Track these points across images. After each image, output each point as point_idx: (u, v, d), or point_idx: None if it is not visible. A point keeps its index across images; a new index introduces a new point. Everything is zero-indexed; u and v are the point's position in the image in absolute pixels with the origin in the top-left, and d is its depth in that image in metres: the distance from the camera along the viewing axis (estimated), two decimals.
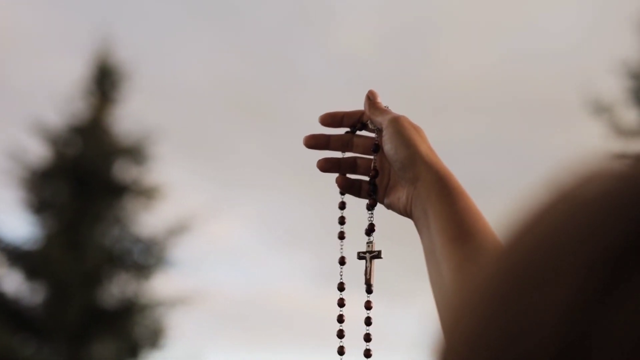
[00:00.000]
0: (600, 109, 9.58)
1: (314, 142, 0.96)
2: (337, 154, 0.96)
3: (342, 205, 0.96)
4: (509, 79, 14.30)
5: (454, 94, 14.32)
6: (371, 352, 0.89)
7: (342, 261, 0.93)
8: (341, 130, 0.96)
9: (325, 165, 0.95)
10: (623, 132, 9.40)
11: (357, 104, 0.96)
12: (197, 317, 12.25)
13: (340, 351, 0.90)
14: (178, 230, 10.80)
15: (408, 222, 0.90)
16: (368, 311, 0.91)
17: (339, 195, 0.96)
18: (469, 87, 14.32)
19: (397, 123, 0.89)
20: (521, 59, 14.42)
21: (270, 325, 13.73)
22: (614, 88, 9.75)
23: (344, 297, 0.93)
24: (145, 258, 10.73)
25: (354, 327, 0.92)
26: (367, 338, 0.90)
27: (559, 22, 14.52)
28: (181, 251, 10.94)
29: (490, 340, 0.29)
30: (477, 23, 14.88)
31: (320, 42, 14.94)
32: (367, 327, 0.91)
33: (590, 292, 0.27)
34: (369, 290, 0.91)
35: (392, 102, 0.94)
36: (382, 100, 0.94)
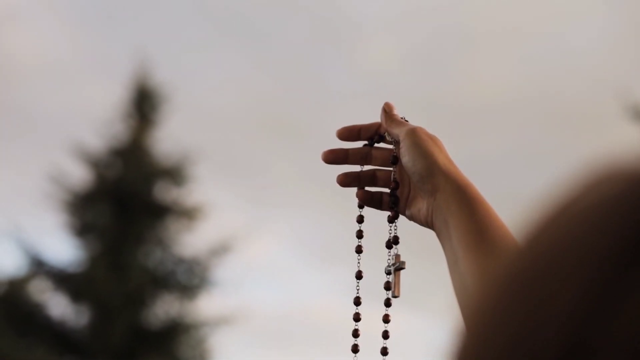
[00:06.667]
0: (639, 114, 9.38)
1: (333, 157, 0.95)
2: (356, 168, 0.96)
3: (360, 219, 0.95)
4: (538, 88, 14.17)
5: (481, 105, 14.24)
6: None
7: (359, 275, 0.93)
8: (359, 144, 0.96)
9: (345, 180, 0.95)
10: None
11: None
12: (239, 336, 12.29)
13: None
14: (219, 250, 10.85)
15: (428, 233, 0.90)
16: (386, 324, 0.91)
17: (357, 208, 0.95)
18: (497, 98, 14.24)
19: (414, 135, 0.88)
20: (550, 67, 14.30)
21: (309, 341, 13.75)
22: None
23: (359, 312, 0.92)
24: (188, 278, 10.79)
25: (378, 340, 0.91)
26: (384, 352, 0.90)
27: (588, 27, 14.38)
28: (222, 271, 11.00)
29: (501, 338, 0.30)
30: (502, 33, 14.79)
31: (347, 59, 14.99)
32: (385, 341, 0.90)
33: (593, 297, 0.28)
34: (387, 304, 0.91)
35: (420, 116, 0.93)
36: (406, 113, 0.94)
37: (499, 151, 13.95)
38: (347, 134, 0.95)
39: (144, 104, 11.26)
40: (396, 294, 0.90)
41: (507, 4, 14.86)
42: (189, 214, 10.89)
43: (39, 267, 10.65)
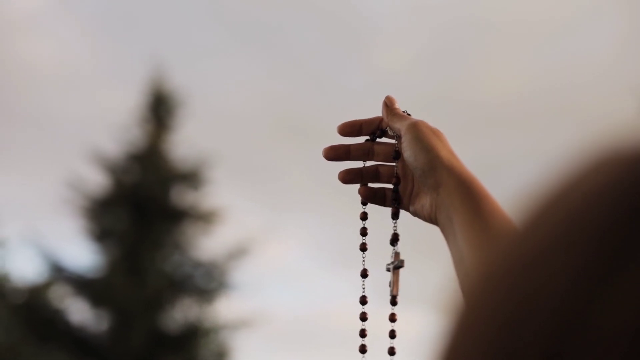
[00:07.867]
0: None
1: (334, 153, 0.93)
2: (359, 164, 0.93)
3: (364, 216, 0.93)
4: (554, 90, 14.10)
5: (497, 109, 14.19)
6: None
7: (364, 274, 0.90)
8: (361, 139, 0.94)
9: (347, 177, 0.92)
10: None
11: None
12: (257, 339, 12.33)
13: None
14: (237, 253, 10.86)
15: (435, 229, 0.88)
16: (392, 324, 0.89)
17: (361, 205, 0.93)
18: (514, 101, 14.18)
19: (416, 128, 0.86)
20: (565, 64, 14.23)
21: (327, 343, 13.75)
22: None
23: (366, 311, 0.90)
24: (206, 282, 10.81)
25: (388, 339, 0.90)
26: (392, 352, 0.88)
27: (602, 25, 14.30)
28: (240, 274, 11.01)
29: (488, 332, 0.29)
30: (519, 36, 14.74)
31: (362, 62, 15.00)
32: (392, 340, 0.88)
33: (574, 302, 0.27)
34: (393, 302, 0.88)
35: (435, 114, 0.90)
36: (422, 111, 0.91)
37: (515, 146, 13.89)
38: (349, 129, 0.93)
39: (160, 109, 11.30)
40: (394, 293, 0.87)
41: (523, 4, 14.81)
42: (206, 218, 10.91)
43: (58, 273, 10.71)
